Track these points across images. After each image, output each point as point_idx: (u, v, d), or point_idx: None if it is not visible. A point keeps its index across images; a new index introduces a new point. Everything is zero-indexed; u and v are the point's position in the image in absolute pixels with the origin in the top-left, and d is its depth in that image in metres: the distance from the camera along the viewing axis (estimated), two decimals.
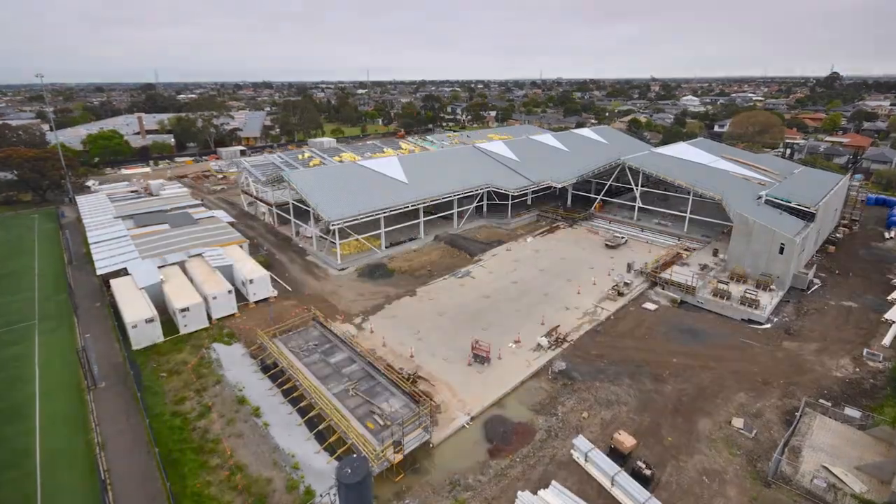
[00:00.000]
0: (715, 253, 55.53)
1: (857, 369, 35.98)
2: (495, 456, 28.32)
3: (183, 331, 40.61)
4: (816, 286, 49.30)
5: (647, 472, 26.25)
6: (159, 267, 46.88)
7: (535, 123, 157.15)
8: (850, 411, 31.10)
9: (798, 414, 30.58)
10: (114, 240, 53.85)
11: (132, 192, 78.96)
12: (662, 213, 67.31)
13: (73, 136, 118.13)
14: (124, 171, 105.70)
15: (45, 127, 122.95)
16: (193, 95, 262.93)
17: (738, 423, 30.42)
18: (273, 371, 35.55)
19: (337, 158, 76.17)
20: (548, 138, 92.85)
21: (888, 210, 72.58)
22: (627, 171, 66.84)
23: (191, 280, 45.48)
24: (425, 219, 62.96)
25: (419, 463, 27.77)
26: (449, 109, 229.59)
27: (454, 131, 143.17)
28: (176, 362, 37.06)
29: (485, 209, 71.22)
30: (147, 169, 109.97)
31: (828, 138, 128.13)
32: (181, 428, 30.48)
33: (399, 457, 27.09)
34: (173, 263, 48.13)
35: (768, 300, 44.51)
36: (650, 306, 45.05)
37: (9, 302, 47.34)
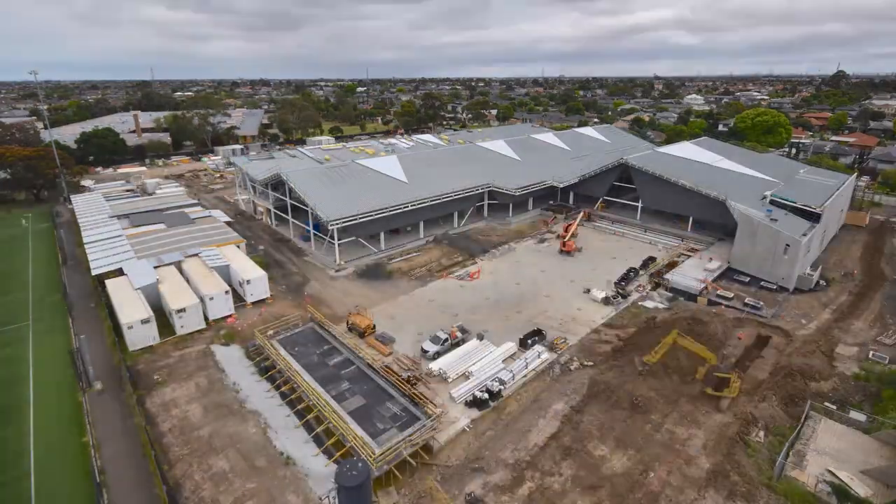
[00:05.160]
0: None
1: (864, 371, 35.50)
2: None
3: (179, 332, 40.04)
4: (822, 287, 48.73)
5: None
6: (155, 267, 46.26)
7: (537, 122, 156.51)
8: (856, 414, 30.67)
9: (803, 417, 30.14)
10: (109, 239, 53.17)
11: (128, 191, 78.20)
12: (665, 214, 66.76)
13: (68, 135, 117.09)
14: (120, 170, 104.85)
15: (40, 125, 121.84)
16: (190, 93, 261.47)
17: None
18: (271, 372, 35.06)
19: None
20: (550, 137, 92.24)
21: None
22: (631, 170, 66.26)
23: (187, 280, 44.89)
24: (425, 218, 62.37)
25: (419, 465, 27.28)
26: (449, 108, 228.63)
27: (454, 130, 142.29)
28: (172, 364, 36.50)
29: (485, 209, 70.65)
30: (143, 168, 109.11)
31: (833, 137, 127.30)
32: (177, 430, 29.96)
33: (399, 459, 26.62)
34: (169, 264, 47.50)
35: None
36: (649, 304, 44.84)
37: (2, 303, 46.71)
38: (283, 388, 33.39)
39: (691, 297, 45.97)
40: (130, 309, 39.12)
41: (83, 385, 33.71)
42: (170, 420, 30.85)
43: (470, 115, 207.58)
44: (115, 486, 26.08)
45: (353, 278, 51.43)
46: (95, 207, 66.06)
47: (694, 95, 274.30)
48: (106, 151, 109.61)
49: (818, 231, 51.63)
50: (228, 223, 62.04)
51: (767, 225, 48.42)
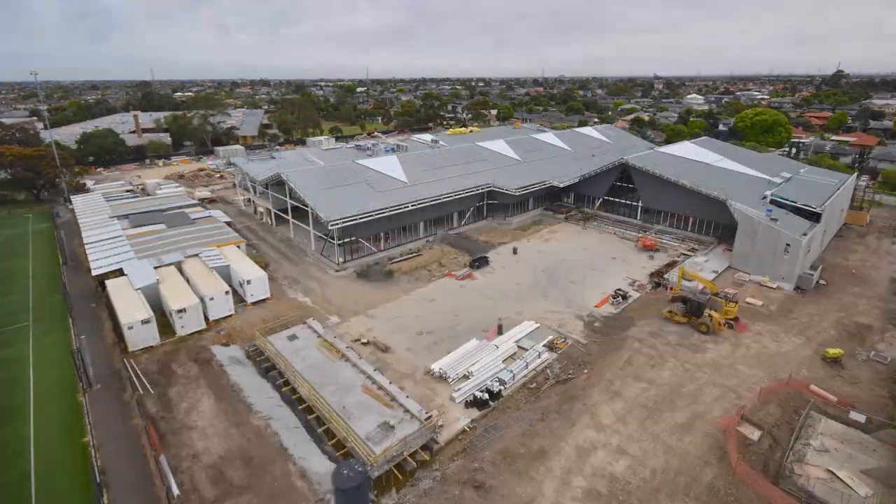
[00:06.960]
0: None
1: (863, 371, 35.50)
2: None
3: (180, 332, 40.03)
4: (822, 287, 48.68)
5: None
6: (155, 267, 46.26)
7: (538, 122, 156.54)
8: (856, 414, 30.65)
9: (803, 417, 30.11)
10: (109, 240, 53.18)
11: (128, 191, 78.28)
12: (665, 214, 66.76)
13: (68, 135, 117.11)
14: (120, 171, 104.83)
15: (40, 125, 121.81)
16: (190, 93, 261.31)
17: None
18: (271, 373, 35.07)
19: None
20: (550, 137, 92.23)
21: None
22: (631, 170, 66.27)
23: (187, 281, 44.89)
24: (425, 218, 62.36)
25: (419, 466, 27.28)
26: (449, 108, 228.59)
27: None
28: (172, 364, 36.49)
29: (485, 209, 70.65)
30: (143, 168, 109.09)
31: (834, 137, 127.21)
32: (177, 431, 29.96)
33: (398, 460, 26.64)
34: (169, 264, 47.50)
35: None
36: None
37: (2, 303, 46.71)
38: (283, 389, 33.41)
39: None
40: (130, 309, 39.11)
41: (84, 385, 33.70)
42: (170, 421, 30.85)
43: (470, 115, 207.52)
44: (115, 487, 26.07)
45: (354, 278, 51.45)
46: (95, 208, 66.10)
47: (694, 95, 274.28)
48: (106, 152, 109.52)
49: (818, 231, 51.62)
50: (228, 223, 62.05)
51: (768, 225, 48.43)
